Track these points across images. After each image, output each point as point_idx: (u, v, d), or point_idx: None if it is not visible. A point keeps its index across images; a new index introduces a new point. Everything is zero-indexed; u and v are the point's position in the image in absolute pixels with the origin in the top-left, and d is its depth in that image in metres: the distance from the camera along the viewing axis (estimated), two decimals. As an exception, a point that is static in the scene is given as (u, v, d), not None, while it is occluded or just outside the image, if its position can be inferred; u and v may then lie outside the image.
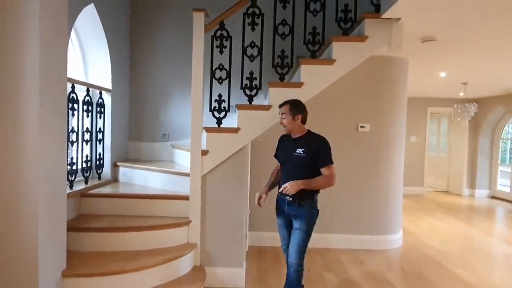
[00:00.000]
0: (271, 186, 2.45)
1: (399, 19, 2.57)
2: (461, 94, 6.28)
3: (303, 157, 2.19)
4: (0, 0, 1.75)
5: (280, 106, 2.30)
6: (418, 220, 5.16)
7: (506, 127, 7.24)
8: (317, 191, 2.25)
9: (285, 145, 2.36)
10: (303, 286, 2.27)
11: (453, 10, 2.44)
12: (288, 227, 2.33)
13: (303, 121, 2.27)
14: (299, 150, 2.21)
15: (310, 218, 2.24)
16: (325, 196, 3.67)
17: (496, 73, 4.57)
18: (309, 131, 2.31)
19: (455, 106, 5.96)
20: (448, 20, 2.65)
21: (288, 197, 2.20)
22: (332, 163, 2.19)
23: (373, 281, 2.93)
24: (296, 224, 2.23)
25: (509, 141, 7.34)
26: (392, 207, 3.83)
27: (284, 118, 2.25)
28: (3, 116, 1.79)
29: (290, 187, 2.10)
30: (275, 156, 2.46)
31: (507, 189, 6.98)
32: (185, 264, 2.51)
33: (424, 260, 3.49)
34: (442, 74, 4.65)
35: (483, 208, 6.33)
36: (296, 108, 2.24)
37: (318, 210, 2.28)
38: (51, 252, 1.96)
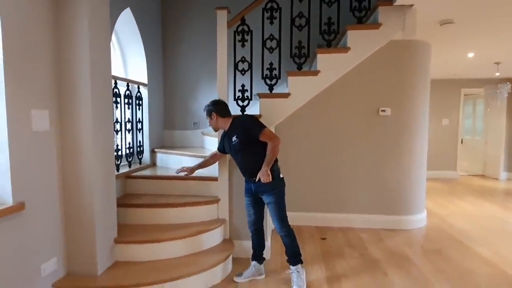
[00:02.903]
0: (198, 167, 2.72)
1: (412, 5, 2.66)
2: (497, 74, 6.04)
3: (238, 142, 2.39)
4: (56, 10, 2.11)
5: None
6: (447, 203, 5.15)
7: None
8: (276, 162, 2.41)
9: (225, 140, 2.56)
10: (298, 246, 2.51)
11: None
12: (256, 204, 2.54)
13: (222, 115, 2.45)
14: (234, 139, 2.41)
15: (277, 189, 2.40)
16: (346, 177, 3.87)
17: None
18: (234, 118, 2.48)
19: (487, 86, 5.75)
20: (461, 2, 2.68)
21: (252, 179, 2.41)
22: (264, 127, 2.34)
23: (391, 256, 3.10)
24: (267, 199, 2.42)
25: (553, 121, 6.93)
26: (414, 188, 3.92)
27: (207, 120, 2.50)
28: (63, 111, 2.17)
29: (263, 178, 2.26)
30: (218, 148, 2.70)
31: (550, 172, 6.65)
32: (215, 237, 2.84)
33: (446, 239, 3.58)
34: (470, 55, 4.56)
35: (520, 191, 6.12)
36: (208, 109, 2.46)
37: (282, 178, 2.45)
38: (105, 223, 2.35)
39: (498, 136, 7.21)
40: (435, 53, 4.16)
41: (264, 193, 2.43)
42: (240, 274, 2.62)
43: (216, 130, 2.56)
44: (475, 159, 7.82)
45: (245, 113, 2.98)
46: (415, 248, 3.31)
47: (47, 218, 2.07)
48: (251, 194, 2.53)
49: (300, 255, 2.51)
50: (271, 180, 2.29)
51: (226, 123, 2.48)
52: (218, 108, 2.47)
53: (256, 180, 2.34)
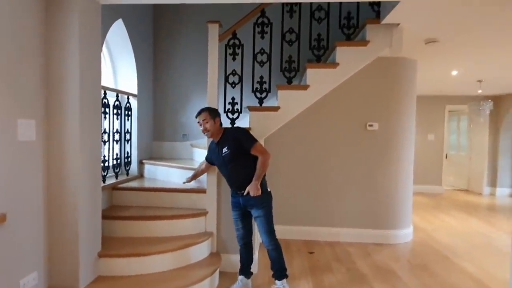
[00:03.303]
0: (193, 178, 2.83)
1: (398, 24, 2.75)
2: (479, 91, 6.24)
3: (229, 153, 2.38)
4: (46, 17, 2.10)
5: (198, 115, 2.46)
6: (432, 218, 5.22)
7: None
8: (264, 176, 2.40)
9: (214, 151, 2.54)
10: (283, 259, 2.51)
11: (447, 13, 2.58)
12: (243, 218, 2.53)
13: (221, 123, 2.48)
14: (224, 150, 2.39)
15: (265, 202, 2.40)
16: (334, 192, 3.88)
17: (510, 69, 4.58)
18: (225, 129, 2.49)
19: (471, 103, 5.94)
20: (444, 23, 2.78)
21: (240, 192, 2.40)
22: (256, 141, 2.36)
23: (378, 271, 3.10)
24: (255, 213, 2.42)
25: (533, 138, 7.16)
26: (401, 202, 3.97)
27: (206, 123, 2.40)
28: (50, 120, 2.13)
29: (253, 191, 2.28)
30: (206, 158, 2.72)
31: (531, 188, 6.83)
32: (202, 250, 2.79)
33: (432, 254, 3.61)
34: (454, 73, 4.72)
35: (502, 206, 6.25)
36: (213, 112, 2.44)
37: (270, 192, 2.46)
38: (89, 236, 2.28)
39: (481, 152, 7.41)
40: (421, 70, 4.29)
41: (253, 207, 2.42)
42: None
43: (210, 136, 2.49)
44: (460, 174, 7.99)
45: (235, 125, 2.99)
46: (402, 263, 3.33)
47: (29, 230, 2.00)
48: (239, 208, 2.52)
49: (285, 269, 2.50)
50: (260, 193, 2.28)
51: (220, 132, 2.48)
52: (220, 116, 2.50)
53: (245, 193, 2.33)
